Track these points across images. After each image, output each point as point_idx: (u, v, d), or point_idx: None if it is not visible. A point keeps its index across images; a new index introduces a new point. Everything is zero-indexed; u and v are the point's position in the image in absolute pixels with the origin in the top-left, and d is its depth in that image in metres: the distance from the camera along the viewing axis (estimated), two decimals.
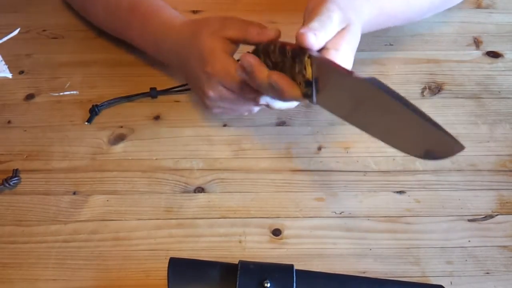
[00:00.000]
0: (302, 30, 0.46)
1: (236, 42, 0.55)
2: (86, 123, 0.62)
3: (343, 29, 0.50)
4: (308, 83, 0.45)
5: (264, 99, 0.52)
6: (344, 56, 0.48)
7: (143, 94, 0.64)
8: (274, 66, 0.50)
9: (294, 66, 0.46)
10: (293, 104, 0.54)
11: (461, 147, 0.43)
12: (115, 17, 0.66)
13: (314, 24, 0.47)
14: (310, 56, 0.45)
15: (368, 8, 0.56)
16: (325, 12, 0.49)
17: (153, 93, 0.64)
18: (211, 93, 0.55)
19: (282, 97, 0.48)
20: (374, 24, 0.60)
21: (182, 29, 0.58)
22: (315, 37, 0.46)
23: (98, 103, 0.63)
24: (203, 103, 0.58)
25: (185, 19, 0.60)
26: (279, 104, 0.53)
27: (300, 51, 0.46)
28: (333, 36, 0.49)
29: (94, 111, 0.63)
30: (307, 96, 0.46)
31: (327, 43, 0.48)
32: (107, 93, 0.65)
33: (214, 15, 0.57)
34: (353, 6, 0.53)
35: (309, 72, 0.45)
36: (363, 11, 0.55)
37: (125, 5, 0.64)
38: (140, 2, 0.63)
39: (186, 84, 0.64)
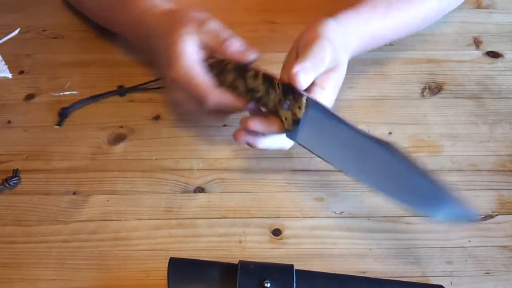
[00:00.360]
0: (295, 70, 0.48)
1: (207, 50, 0.54)
2: (57, 126, 0.62)
3: (332, 68, 0.52)
4: (296, 122, 0.47)
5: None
6: (328, 95, 0.52)
7: (111, 93, 0.64)
8: (246, 91, 0.51)
9: (283, 101, 0.47)
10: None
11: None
12: (102, 5, 0.65)
13: (307, 64, 0.49)
14: (307, 99, 0.47)
15: (358, 40, 0.58)
16: (319, 51, 0.50)
17: (121, 91, 0.64)
18: (175, 96, 0.55)
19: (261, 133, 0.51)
20: (364, 49, 0.62)
21: (160, 20, 0.57)
22: (306, 78, 0.48)
23: (66, 106, 0.63)
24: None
25: (166, 8, 0.58)
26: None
27: (293, 89, 0.48)
28: (321, 74, 0.50)
29: (64, 114, 0.62)
30: (289, 133, 0.48)
31: (314, 79, 0.50)
32: None
33: (198, 11, 0.56)
34: (345, 45, 0.55)
35: (301, 112, 0.47)
36: (353, 45, 0.58)
37: None
38: None
39: (155, 80, 0.64)
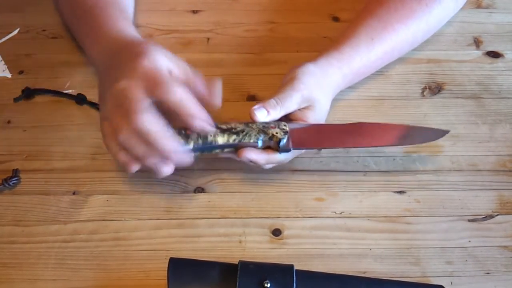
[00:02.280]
0: (255, 107, 0.53)
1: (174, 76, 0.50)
2: (14, 101, 0.63)
3: (307, 107, 0.56)
4: (285, 133, 0.52)
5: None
6: None
7: (70, 96, 0.64)
8: (223, 133, 0.52)
9: (267, 126, 0.53)
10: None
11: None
12: (75, 17, 0.65)
13: (271, 101, 0.54)
14: (285, 123, 0.54)
15: (342, 78, 0.61)
16: (289, 90, 0.55)
17: (78, 99, 0.64)
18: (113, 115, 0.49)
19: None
20: (351, 84, 0.64)
21: (132, 40, 0.55)
22: (267, 114, 0.53)
23: (31, 87, 0.64)
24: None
25: (129, 39, 0.56)
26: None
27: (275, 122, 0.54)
28: (297, 113, 0.56)
29: (26, 93, 0.64)
30: (281, 145, 0.52)
31: (290, 117, 0.56)
32: None
33: (161, 53, 0.50)
34: (320, 86, 0.58)
35: (287, 127, 0.53)
36: (336, 84, 0.61)
37: (87, 8, 0.62)
38: (102, 6, 0.61)
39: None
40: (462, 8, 0.73)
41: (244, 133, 0.52)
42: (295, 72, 0.58)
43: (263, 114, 0.53)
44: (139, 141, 0.48)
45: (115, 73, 0.50)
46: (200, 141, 0.52)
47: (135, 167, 0.51)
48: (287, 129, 0.53)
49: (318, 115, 0.57)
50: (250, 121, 0.53)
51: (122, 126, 0.47)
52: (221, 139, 0.52)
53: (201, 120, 0.49)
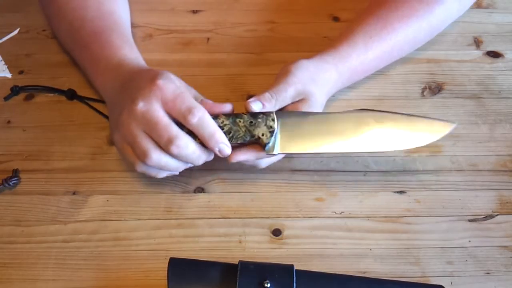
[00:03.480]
0: (250, 99, 0.53)
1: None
2: (4, 100, 0.64)
3: (301, 100, 0.56)
4: (272, 133, 0.51)
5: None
6: None
7: (60, 91, 0.64)
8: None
9: (254, 122, 0.52)
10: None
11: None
12: (74, 39, 0.64)
13: (266, 94, 0.54)
14: (276, 112, 0.53)
15: (338, 76, 0.61)
16: (283, 84, 0.56)
17: (68, 94, 0.64)
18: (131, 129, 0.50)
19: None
20: (348, 83, 0.64)
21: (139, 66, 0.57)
22: (262, 107, 0.53)
23: (19, 85, 0.64)
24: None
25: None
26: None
27: (259, 112, 0.53)
28: (291, 106, 0.56)
29: (14, 91, 0.64)
30: (268, 146, 0.52)
31: (287, 108, 0.56)
32: None
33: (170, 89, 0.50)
34: (314, 80, 0.58)
35: (275, 123, 0.52)
36: (332, 81, 0.60)
37: (85, 33, 0.62)
38: (101, 32, 0.61)
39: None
40: None
41: (231, 135, 0.52)
42: (289, 67, 0.58)
43: (258, 107, 0.53)
44: (171, 161, 0.50)
45: (129, 95, 0.50)
46: None
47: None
48: (275, 127, 0.52)
49: (313, 109, 0.57)
50: (238, 114, 0.52)
51: (152, 152, 0.49)
52: None
53: (221, 143, 0.50)
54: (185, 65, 0.68)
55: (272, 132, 0.52)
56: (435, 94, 0.66)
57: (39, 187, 0.57)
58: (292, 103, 0.56)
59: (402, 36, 0.64)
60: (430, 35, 0.68)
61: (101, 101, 0.62)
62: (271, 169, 0.58)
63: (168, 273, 0.47)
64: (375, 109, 0.55)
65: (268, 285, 0.45)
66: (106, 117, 0.61)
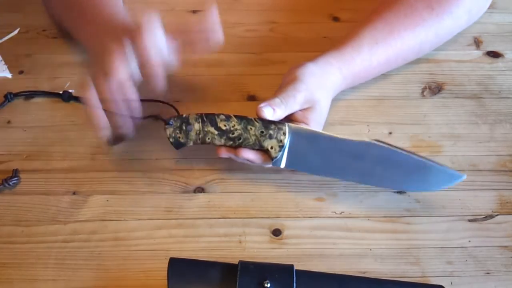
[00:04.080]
0: (261, 105, 0.53)
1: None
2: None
3: (308, 107, 0.56)
4: (282, 147, 0.52)
5: None
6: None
7: (55, 94, 0.64)
8: (220, 134, 0.53)
9: (265, 132, 0.52)
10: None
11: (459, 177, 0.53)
12: (66, 6, 0.66)
13: (276, 100, 0.54)
14: (288, 125, 0.53)
15: (342, 79, 0.61)
16: (291, 91, 0.55)
17: (64, 96, 0.64)
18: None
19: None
20: (351, 86, 0.64)
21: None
22: (273, 112, 0.53)
23: (13, 92, 0.64)
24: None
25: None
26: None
27: (272, 121, 0.53)
28: (298, 113, 0.56)
29: (7, 98, 0.64)
30: (275, 159, 0.53)
31: (291, 118, 0.56)
32: None
33: None
34: (321, 86, 0.58)
35: (286, 138, 0.52)
36: (336, 85, 0.60)
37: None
38: None
39: None
40: None
41: (240, 141, 0.52)
42: (296, 73, 0.57)
43: (269, 112, 0.53)
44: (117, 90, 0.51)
45: (106, 42, 0.53)
46: (199, 142, 0.54)
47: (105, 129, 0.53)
48: (285, 142, 0.52)
49: (319, 116, 0.57)
50: (250, 119, 0.53)
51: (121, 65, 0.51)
52: (218, 142, 0.53)
53: (160, 77, 0.52)
54: (185, 65, 0.68)
55: (281, 147, 0.52)
56: (435, 94, 0.66)
57: (39, 187, 0.57)
58: (301, 110, 0.56)
59: (408, 45, 0.63)
60: (436, 44, 0.67)
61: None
62: (271, 169, 0.58)
63: (168, 273, 0.47)
64: (387, 142, 0.53)
65: (268, 285, 0.45)
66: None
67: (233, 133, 0.52)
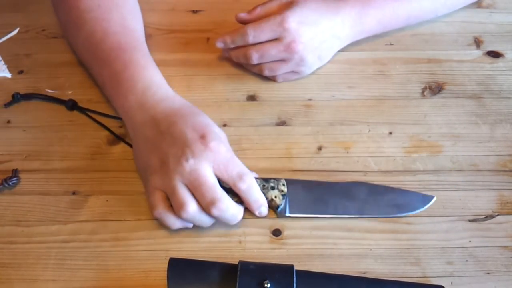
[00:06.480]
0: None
1: None
2: (4, 106, 0.63)
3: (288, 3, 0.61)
4: (284, 196, 0.54)
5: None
6: None
7: (60, 101, 0.63)
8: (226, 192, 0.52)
9: (267, 186, 0.54)
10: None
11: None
12: (93, 52, 0.61)
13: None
14: (285, 180, 0.55)
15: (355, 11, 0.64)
16: None
17: (68, 104, 0.63)
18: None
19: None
20: (370, 27, 0.67)
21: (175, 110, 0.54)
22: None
23: (21, 93, 0.64)
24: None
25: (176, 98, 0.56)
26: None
27: (269, 178, 0.55)
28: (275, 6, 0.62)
29: (15, 99, 0.63)
30: (280, 208, 0.54)
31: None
32: None
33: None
34: None
35: (286, 188, 0.54)
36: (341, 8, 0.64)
37: (109, 45, 0.59)
38: (124, 49, 0.59)
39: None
40: (462, 8, 0.73)
41: None
42: None
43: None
44: (205, 218, 0.51)
45: (174, 144, 0.51)
46: None
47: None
48: (286, 191, 0.54)
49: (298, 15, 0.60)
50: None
51: (190, 206, 0.50)
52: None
53: (262, 205, 0.53)
54: (185, 65, 0.68)
55: (284, 196, 0.53)
56: (436, 94, 0.66)
57: (39, 187, 0.57)
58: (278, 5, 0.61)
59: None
60: (447, 9, 0.72)
61: (108, 115, 0.62)
62: (271, 169, 0.58)
63: (168, 273, 0.47)
64: (369, 182, 0.56)
65: (268, 285, 0.45)
66: (109, 130, 0.61)
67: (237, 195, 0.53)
